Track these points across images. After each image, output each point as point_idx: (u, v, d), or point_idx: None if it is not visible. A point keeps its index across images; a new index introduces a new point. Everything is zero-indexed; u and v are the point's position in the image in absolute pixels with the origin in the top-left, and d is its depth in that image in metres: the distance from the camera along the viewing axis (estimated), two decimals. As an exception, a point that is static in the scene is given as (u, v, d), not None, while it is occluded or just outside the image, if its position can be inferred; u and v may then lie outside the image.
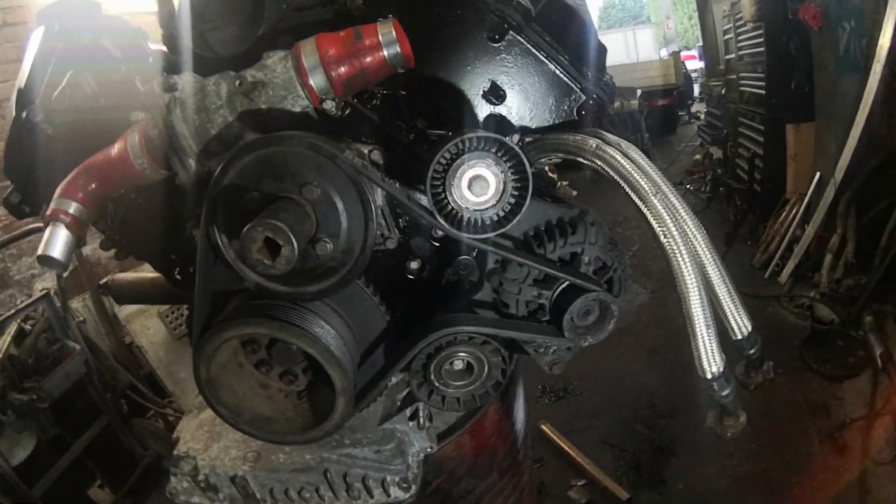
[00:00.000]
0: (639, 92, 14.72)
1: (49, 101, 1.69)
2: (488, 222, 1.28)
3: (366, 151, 1.37)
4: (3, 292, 4.97)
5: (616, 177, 1.36)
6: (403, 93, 1.48)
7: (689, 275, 1.34)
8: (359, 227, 1.20)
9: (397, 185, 1.34)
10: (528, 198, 1.26)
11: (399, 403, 1.69)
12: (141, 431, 4.91)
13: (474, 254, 1.48)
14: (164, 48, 1.64)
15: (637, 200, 1.35)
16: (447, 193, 1.24)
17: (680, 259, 1.33)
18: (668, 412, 5.12)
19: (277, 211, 1.09)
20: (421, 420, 1.63)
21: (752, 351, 1.53)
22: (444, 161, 1.22)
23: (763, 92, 7.92)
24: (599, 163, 1.37)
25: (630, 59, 19.25)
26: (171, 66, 1.52)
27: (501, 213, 1.28)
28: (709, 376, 1.41)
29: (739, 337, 1.48)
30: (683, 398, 5.18)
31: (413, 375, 1.45)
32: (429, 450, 1.67)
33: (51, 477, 4.06)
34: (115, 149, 1.39)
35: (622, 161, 1.36)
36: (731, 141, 9.51)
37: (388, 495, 1.59)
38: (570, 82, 1.55)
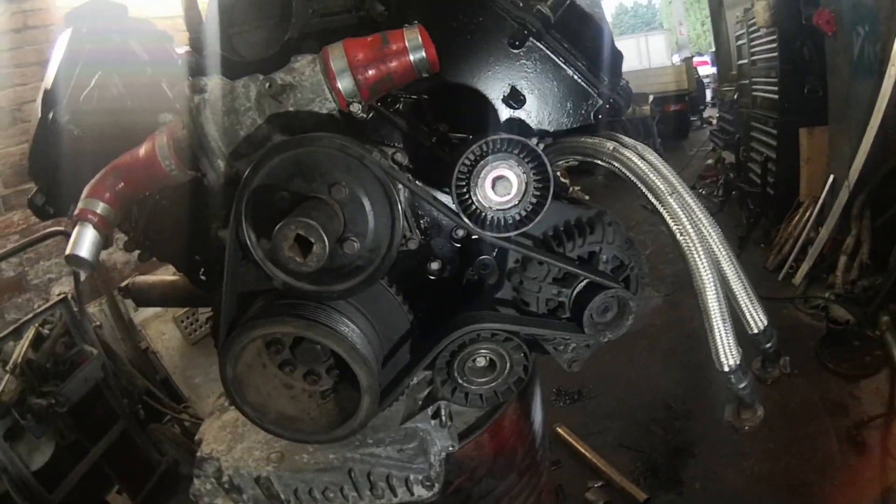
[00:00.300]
0: (651, 97, 14.75)
1: (76, 102, 1.73)
2: (511, 221, 1.32)
3: (389, 153, 1.41)
4: (20, 296, 5.01)
5: (633, 178, 1.40)
6: (426, 97, 1.52)
7: (706, 271, 1.38)
8: (385, 227, 1.24)
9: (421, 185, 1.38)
10: (550, 198, 1.30)
11: (420, 403, 1.71)
12: (158, 437, 4.95)
13: (494, 253, 1.52)
14: (189, 51, 1.68)
15: (654, 200, 1.39)
16: (471, 193, 1.28)
17: (696, 256, 1.38)
18: (683, 414, 5.11)
19: (309, 209, 1.13)
20: (443, 418, 1.66)
21: (768, 345, 1.57)
22: (468, 162, 1.26)
23: (776, 97, 7.91)
24: (617, 164, 1.41)
25: (642, 66, 19.30)
26: (197, 68, 1.55)
27: (523, 213, 1.32)
28: (726, 369, 1.45)
29: (755, 331, 1.51)
30: (699, 400, 5.17)
31: (437, 373, 1.49)
32: (450, 448, 1.68)
33: (70, 482, 4.08)
34: (143, 149, 1.42)
35: (639, 163, 1.40)
36: (743, 145, 9.50)
37: (412, 494, 1.62)
38: (587, 87, 1.59)
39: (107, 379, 4.49)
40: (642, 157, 1.42)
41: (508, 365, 1.49)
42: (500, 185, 1.27)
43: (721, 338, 1.42)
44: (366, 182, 1.21)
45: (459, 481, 1.84)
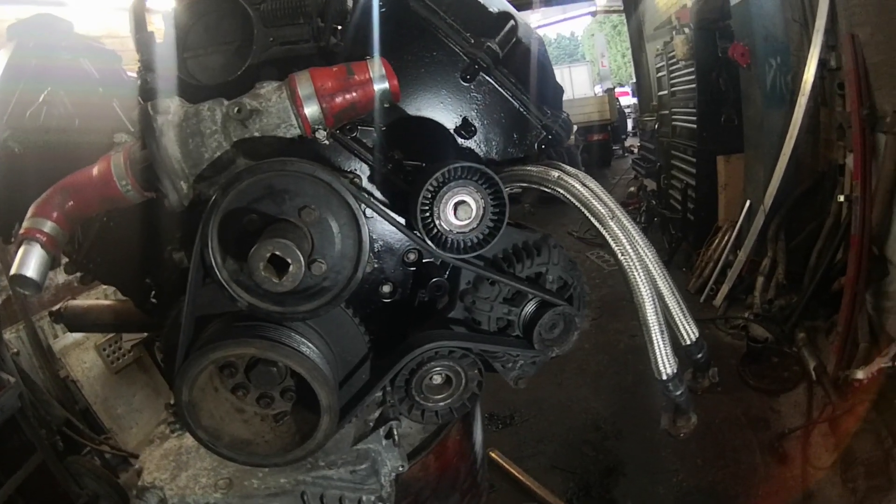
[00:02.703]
0: (575, 127, 15.20)
1: (18, 118, 1.69)
2: (470, 244, 1.42)
3: (348, 178, 1.47)
4: (-70, 323, 4.75)
5: (577, 203, 1.52)
6: (381, 125, 1.59)
7: (645, 287, 1.52)
8: (351, 249, 1.30)
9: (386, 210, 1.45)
10: (505, 221, 1.39)
11: (371, 425, 1.74)
12: (77, 469, 4.75)
13: (446, 275, 1.60)
14: (140, 73, 1.64)
15: (596, 223, 1.52)
16: (434, 217, 1.37)
17: (636, 274, 1.52)
18: (614, 434, 5.28)
19: (283, 231, 1.18)
20: (396, 438, 1.70)
21: (699, 355, 1.71)
22: (432, 188, 1.35)
23: (695, 126, 8.32)
24: (561, 191, 1.53)
25: (566, 96, 19.81)
26: (147, 91, 1.55)
27: (481, 236, 1.41)
28: (664, 377, 1.58)
29: (688, 342, 1.65)
30: (628, 420, 5.38)
31: (395, 391, 1.55)
32: (400, 468, 1.71)
33: (-19, 519, 3.90)
34: (96, 169, 1.40)
35: (581, 190, 1.52)
36: (664, 173, 9.91)
37: None
38: (531, 119, 1.71)
39: (24, 409, 4.28)
40: (584, 185, 1.54)
41: (464, 381, 1.56)
42: (462, 210, 1.37)
43: (659, 349, 1.55)
44: (334, 206, 1.27)
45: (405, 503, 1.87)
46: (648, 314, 1.54)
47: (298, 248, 1.14)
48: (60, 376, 5.24)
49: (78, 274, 1.87)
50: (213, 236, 1.25)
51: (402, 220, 1.46)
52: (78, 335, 5.39)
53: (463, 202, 1.36)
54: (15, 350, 4.79)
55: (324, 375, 1.32)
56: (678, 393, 1.64)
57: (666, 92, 9.80)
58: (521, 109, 1.69)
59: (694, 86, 8.20)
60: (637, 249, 1.54)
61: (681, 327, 1.64)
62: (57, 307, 2.37)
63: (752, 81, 7.01)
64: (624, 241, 1.52)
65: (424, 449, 1.88)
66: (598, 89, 23.75)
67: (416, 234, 1.41)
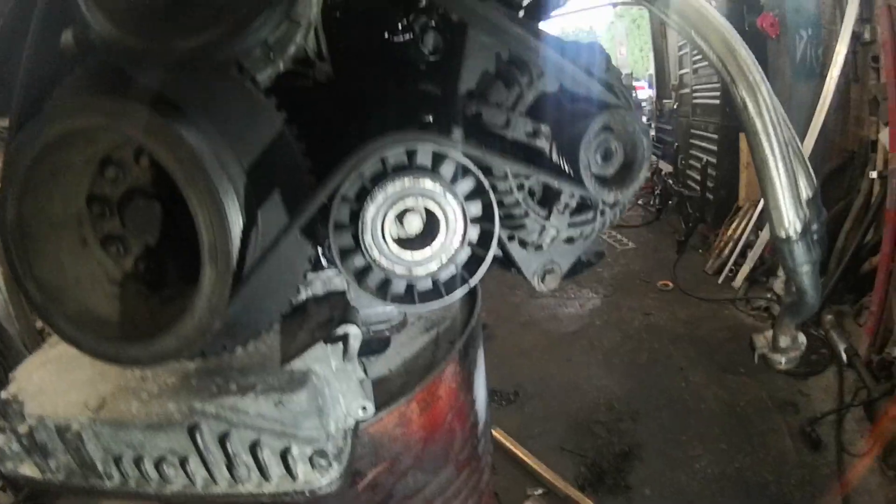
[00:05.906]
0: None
1: None
2: None
3: None
4: None
5: None
6: None
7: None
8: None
9: None
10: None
11: (316, 335, 1.05)
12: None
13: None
14: None
15: None
16: None
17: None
18: (629, 415, 4.62)
19: None
20: (350, 350, 1.01)
21: None
22: None
23: (717, 102, 7.73)
24: None
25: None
26: None
27: None
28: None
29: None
30: (644, 400, 4.75)
31: (336, 234, 0.83)
32: (362, 411, 1.03)
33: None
34: None
35: None
36: (682, 153, 9.30)
37: (294, 476, 0.98)
38: None
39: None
40: None
41: (457, 227, 0.82)
42: None
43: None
44: None
45: (376, 472, 1.23)
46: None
47: None
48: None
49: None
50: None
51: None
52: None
53: None
54: (-9, 297, 4.23)
55: (206, 176, 0.71)
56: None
57: (688, 70, 9.13)
58: None
59: (718, 61, 7.55)
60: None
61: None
62: None
63: (782, 53, 6.40)
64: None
65: (405, 393, 1.22)
66: (616, 77, 23.27)
67: None
